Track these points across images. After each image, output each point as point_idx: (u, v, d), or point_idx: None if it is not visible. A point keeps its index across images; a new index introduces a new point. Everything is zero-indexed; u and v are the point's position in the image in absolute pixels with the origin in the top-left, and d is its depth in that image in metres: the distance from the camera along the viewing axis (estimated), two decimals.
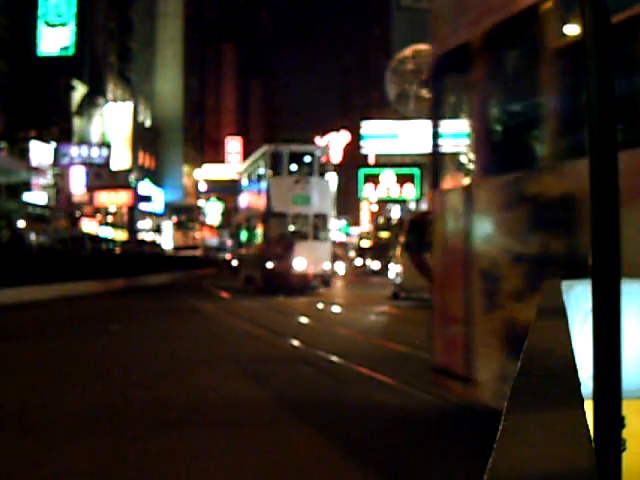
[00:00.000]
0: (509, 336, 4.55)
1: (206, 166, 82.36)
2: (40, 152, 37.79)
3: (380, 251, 45.00)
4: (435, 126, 5.83)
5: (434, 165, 6.04)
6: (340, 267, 41.29)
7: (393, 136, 44.31)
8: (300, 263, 24.07)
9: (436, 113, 5.86)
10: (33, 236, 30.24)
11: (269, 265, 23.86)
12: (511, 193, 4.66)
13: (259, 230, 25.96)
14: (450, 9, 5.67)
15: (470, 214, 5.21)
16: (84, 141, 45.27)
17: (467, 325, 5.17)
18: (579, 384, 1.27)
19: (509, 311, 4.58)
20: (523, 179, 4.60)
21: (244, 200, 30.28)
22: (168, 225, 66.86)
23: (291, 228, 24.77)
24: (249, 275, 27.00)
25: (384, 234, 56.05)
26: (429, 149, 5.93)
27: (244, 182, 30.36)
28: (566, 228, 4.09)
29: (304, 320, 14.71)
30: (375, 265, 44.73)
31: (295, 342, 10.79)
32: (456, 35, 5.35)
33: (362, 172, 47.68)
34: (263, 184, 25.47)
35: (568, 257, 4.01)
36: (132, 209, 51.93)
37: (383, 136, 44.95)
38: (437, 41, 5.83)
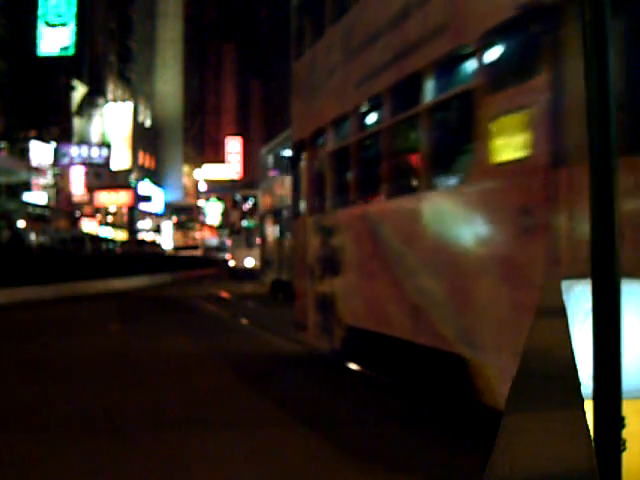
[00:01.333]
0: (317, 301, 8.50)
1: (206, 166, 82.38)
2: (40, 152, 37.77)
3: None
4: (295, 183, 9.79)
5: (294, 205, 9.78)
6: None
7: None
8: None
9: (295, 176, 9.86)
10: (33, 236, 30.26)
11: None
12: (316, 225, 8.61)
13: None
14: (297, 118, 9.77)
15: (305, 234, 8.99)
16: (84, 141, 45.26)
17: (305, 296, 8.96)
18: (579, 384, 1.27)
19: (317, 287, 8.53)
20: (320, 218, 8.50)
21: (272, 187, 22.99)
22: (168, 225, 66.88)
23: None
24: (279, 280, 20.77)
25: None
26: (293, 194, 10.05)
27: (269, 163, 24.49)
28: (333, 244, 7.89)
29: None
30: None
31: None
32: (300, 133, 9.40)
33: None
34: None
35: (331, 259, 7.95)
36: (132, 209, 51.95)
37: None
38: (294, 134, 9.84)
